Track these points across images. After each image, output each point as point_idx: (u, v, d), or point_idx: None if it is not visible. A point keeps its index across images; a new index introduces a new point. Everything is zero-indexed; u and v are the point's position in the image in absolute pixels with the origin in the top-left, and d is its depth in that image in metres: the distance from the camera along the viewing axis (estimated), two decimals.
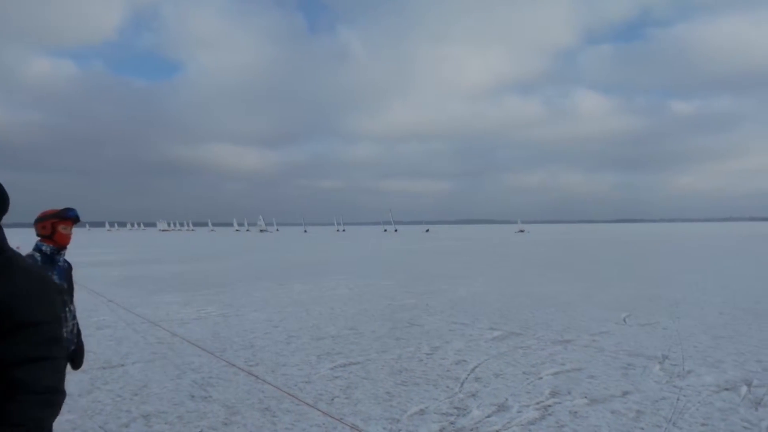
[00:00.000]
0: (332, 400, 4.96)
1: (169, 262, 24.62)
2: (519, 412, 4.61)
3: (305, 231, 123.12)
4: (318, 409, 4.70)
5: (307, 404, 4.84)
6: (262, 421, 4.45)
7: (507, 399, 4.92)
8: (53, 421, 1.57)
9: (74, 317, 3.22)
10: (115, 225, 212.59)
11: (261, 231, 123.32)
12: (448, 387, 5.31)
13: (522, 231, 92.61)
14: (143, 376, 5.73)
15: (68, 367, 3.29)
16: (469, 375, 5.71)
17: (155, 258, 27.79)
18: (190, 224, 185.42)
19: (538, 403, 4.80)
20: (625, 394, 5.05)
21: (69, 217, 3.20)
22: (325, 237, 71.36)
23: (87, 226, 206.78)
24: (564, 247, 36.94)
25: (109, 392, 5.18)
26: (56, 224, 3.16)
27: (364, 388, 5.29)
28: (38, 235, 3.18)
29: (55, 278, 3.10)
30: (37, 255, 3.11)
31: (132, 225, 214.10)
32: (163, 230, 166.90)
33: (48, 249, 3.14)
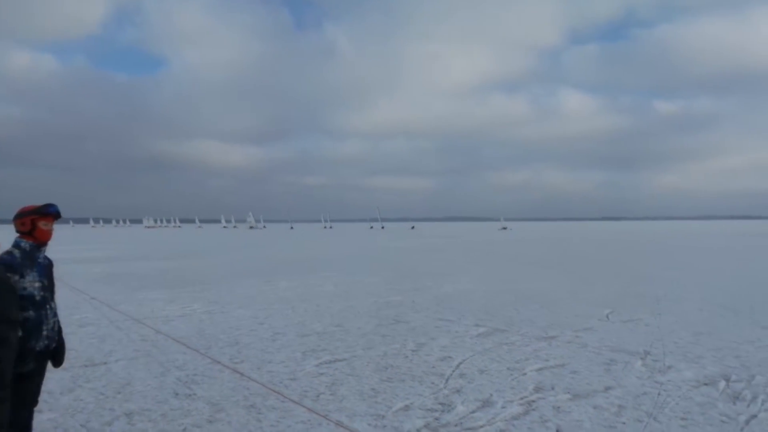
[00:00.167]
0: (318, 396, 4.96)
1: (154, 258, 24.38)
2: (503, 407, 4.65)
3: (291, 228, 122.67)
4: (303, 406, 4.70)
5: (293, 401, 4.83)
6: (247, 418, 4.44)
7: (491, 395, 4.97)
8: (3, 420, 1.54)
9: (55, 315, 3.19)
10: (100, 221, 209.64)
11: (250, 228, 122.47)
12: (433, 383, 5.34)
13: (504, 228, 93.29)
14: (126, 373, 5.68)
15: (49, 365, 3.27)
16: (454, 371, 5.74)
17: (140, 255, 27.50)
18: (177, 221, 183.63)
19: (522, 399, 4.85)
20: (607, 389, 5.11)
21: (49, 213, 3.15)
22: (311, 234, 71.17)
23: (71, 222, 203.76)
24: (548, 244, 37.26)
25: (92, 390, 5.13)
26: (36, 220, 3.11)
27: (349, 385, 5.30)
28: (18, 231, 3.14)
29: (35, 275, 3.06)
30: (16, 251, 3.06)
31: (117, 222, 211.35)
32: (148, 227, 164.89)
33: (27, 245, 3.09)
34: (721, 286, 12.78)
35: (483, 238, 51.92)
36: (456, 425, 4.26)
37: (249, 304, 10.33)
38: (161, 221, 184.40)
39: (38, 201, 3.20)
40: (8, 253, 3.05)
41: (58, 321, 3.23)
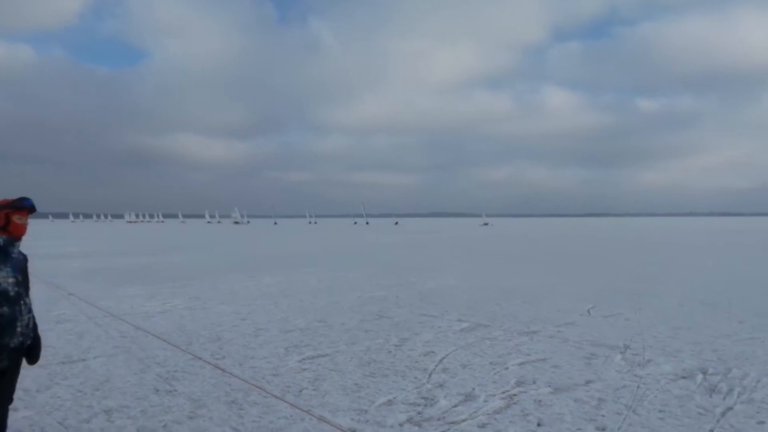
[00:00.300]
0: (300, 392, 4.94)
1: (135, 254, 24.05)
2: (485, 401, 4.67)
3: (275, 223, 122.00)
4: (286, 401, 4.67)
5: (275, 396, 4.80)
6: (229, 414, 4.40)
7: (474, 389, 4.99)
8: None
9: (30, 311, 3.11)
10: (80, 216, 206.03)
11: (235, 223, 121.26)
12: (416, 378, 5.35)
13: (486, 224, 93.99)
14: (105, 370, 5.59)
15: (24, 362, 3.19)
16: (437, 366, 5.76)
17: (121, 250, 27.12)
18: (160, 216, 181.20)
19: (504, 393, 4.88)
20: (587, 382, 5.17)
21: (24, 207, 3.07)
22: (295, 229, 70.86)
23: (50, 217, 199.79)
24: (530, 240, 37.59)
25: (69, 387, 5.04)
26: (10, 214, 3.03)
27: (332, 380, 5.29)
28: None
29: (9, 271, 2.98)
30: None
31: (98, 216, 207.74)
32: (130, 222, 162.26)
33: (1, 240, 3.01)
34: (701, 282, 13.01)
35: (465, 233, 52.17)
36: (439, 419, 4.28)
37: (231, 300, 10.25)
38: (143, 216, 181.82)
39: (14, 195, 3.12)
40: None
41: (33, 317, 3.16)
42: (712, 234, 47.58)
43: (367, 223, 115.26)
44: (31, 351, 3.17)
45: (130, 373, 5.47)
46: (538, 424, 4.18)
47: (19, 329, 2.99)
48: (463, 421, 4.25)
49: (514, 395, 4.82)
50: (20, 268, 3.09)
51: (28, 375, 4.66)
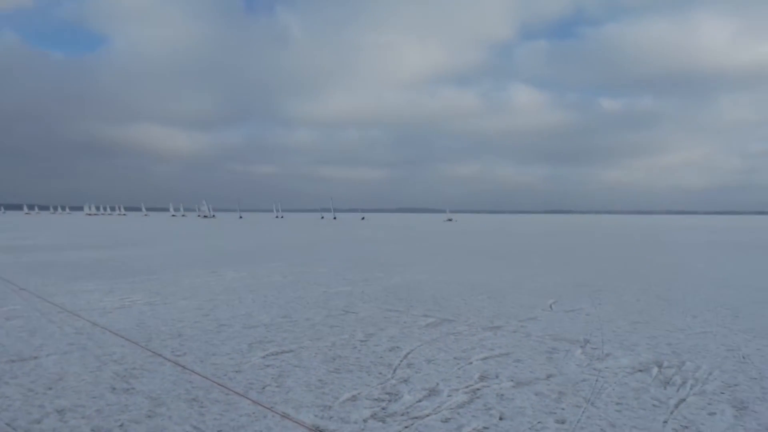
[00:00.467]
0: (263, 388, 4.87)
1: (93, 247, 23.27)
2: (449, 396, 4.71)
3: (240, 217, 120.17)
4: (248, 398, 4.60)
5: (237, 393, 4.72)
6: (189, 411, 4.30)
7: (438, 384, 5.02)
8: None
9: None
10: (36, 208, 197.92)
11: (204, 217, 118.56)
12: (380, 373, 5.35)
13: (450, 220, 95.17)
14: (59, 368, 5.38)
15: None
16: (402, 361, 5.77)
17: (78, 243, 26.20)
18: (121, 208, 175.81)
19: (467, 387, 4.92)
20: (548, 376, 5.27)
21: None
22: (261, 224, 69.93)
23: (2, 209, 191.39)
24: (495, 236, 38.14)
25: (19, 387, 4.83)
26: None
27: (296, 376, 5.23)
28: None
29: None
30: None
31: (55, 208, 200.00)
32: (90, 214, 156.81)
33: None
34: (657, 278, 13.45)
35: (431, 229, 52.55)
36: (402, 414, 4.28)
37: (193, 295, 10.04)
38: (104, 208, 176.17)
39: None
40: None
41: None
42: (668, 231, 49.28)
43: (335, 218, 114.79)
44: None
45: (85, 371, 5.29)
46: (500, 418, 4.23)
47: None
48: (427, 416, 4.27)
49: (478, 390, 4.87)
50: None
51: None
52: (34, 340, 6.51)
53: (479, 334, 7.08)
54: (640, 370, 5.49)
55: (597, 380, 5.15)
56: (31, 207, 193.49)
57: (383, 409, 4.40)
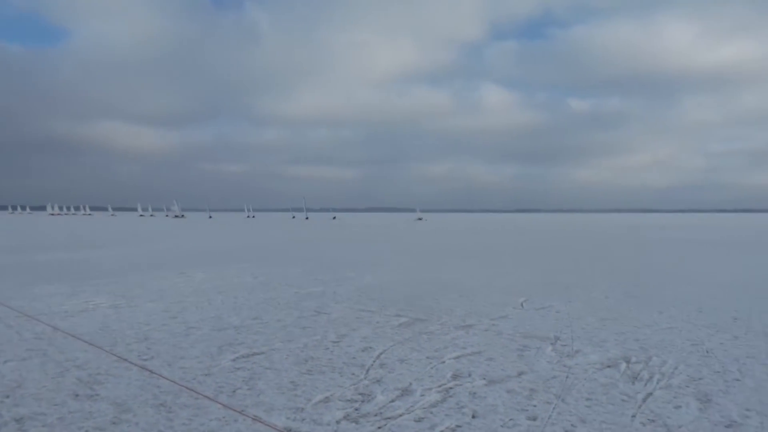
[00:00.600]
0: (234, 392, 4.78)
1: (55, 249, 22.50)
2: (422, 395, 4.70)
3: (210, 217, 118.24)
4: (218, 402, 4.50)
5: (207, 397, 4.61)
6: (157, 417, 4.18)
7: (411, 383, 5.01)
8: None
9: None
10: None
11: (175, 216, 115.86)
12: (353, 374, 5.31)
13: (420, 219, 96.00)
14: (17, 375, 5.17)
15: None
16: (374, 361, 5.74)
17: (39, 244, 25.31)
18: (87, 208, 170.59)
19: (440, 386, 4.93)
20: (520, 374, 5.32)
21: None
22: (232, 223, 68.92)
23: None
24: (466, 235, 38.47)
25: None
26: None
27: (267, 379, 5.15)
28: None
29: None
30: None
31: (14, 208, 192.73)
32: (53, 214, 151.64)
33: None
34: (625, 275, 13.77)
35: (402, 228, 52.69)
36: (376, 415, 4.25)
37: (161, 298, 9.80)
38: (68, 208, 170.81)
39: None
40: None
41: None
42: (635, 230, 50.54)
43: (307, 218, 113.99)
44: None
45: (45, 378, 5.09)
46: (473, 416, 4.25)
47: None
48: (400, 416, 4.25)
49: (450, 388, 4.88)
50: None
51: None
52: None
53: (451, 333, 7.10)
54: (609, 366, 5.59)
55: (567, 377, 5.22)
56: None
57: (356, 409, 4.36)
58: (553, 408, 4.41)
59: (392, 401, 4.55)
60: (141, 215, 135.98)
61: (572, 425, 4.09)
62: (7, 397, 4.58)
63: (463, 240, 32.19)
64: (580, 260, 18.23)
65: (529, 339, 6.76)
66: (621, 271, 14.63)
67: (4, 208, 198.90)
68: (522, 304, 9.25)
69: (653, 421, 4.18)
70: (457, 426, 4.08)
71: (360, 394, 4.73)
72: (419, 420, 4.17)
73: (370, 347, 6.33)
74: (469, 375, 5.28)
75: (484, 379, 5.16)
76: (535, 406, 4.47)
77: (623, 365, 5.61)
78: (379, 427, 4.03)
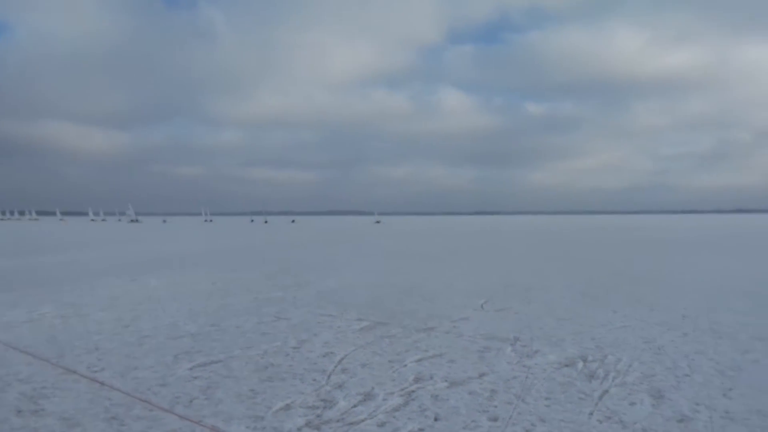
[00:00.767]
0: (191, 402, 4.62)
1: None
2: (384, 399, 4.67)
3: (164, 221, 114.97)
4: (174, 413, 4.34)
5: (162, 409, 4.45)
6: (108, 431, 3.99)
7: (373, 388, 4.97)
8: None
9: None
10: None
11: (131, 221, 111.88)
12: (314, 380, 5.23)
13: (378, 222, 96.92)
14: None
15: None
16: (336, 366, 5.68)
17: None
18: (33, 213, 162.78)
19: (402, 390, 4.91)
20: (481, 375, 5.36)
21: None
22: (188, 228, 67.18)
23: None
24: (426, 238, 38.76)
25: None
26: None
27: (226, 387, 5.01)
28: None
29: None
30: None
31: None
32: None
33: None
34: (581, 275, 14.14)
35: (361, 231, 52.65)
36: (338, 421, 4.20)
37: (112, 306, 9.43)
38: (11, 213, 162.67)
39: None
40: None
41: None
42: (589, 231, 52.12)
43: (266, 221, 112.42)
44: None
45: None
46: (435, 419, 4.25)
47: None
48: (362, 421, 4.21)
49: (413, 392, 4.87)
50: None
51: None
52: None
53: (413, 335, 7.11)
54: (567, 365, 5.71)
55: (527, 377, 5.30)
56: None
57: (318, 416, 4.30)
58: (514, 408, 4.46)
59: (354, 406, 4.50)
60: (92, 220, 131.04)
61: (532, 425, 4.14)
62: None
63: (422, 242, 32.41)
64: (537, 262, 18.63)
65: (489, 340, 6.84)
66: (577, 272, 15.03)
67: None
68: (482, 306, 9.36)
69: (609, 418, 4.28)
70: (420, 429, 4.07)
71: (322, 400, 4.66)
72: (382, 425, 4.14)
73: (332, 352, 6.26)
74: (431, 378, 5.28)
75: (446, 381, 5.18)
76: (496, 406, 4.51)
77: (580, 364, 5.74)
78: None
